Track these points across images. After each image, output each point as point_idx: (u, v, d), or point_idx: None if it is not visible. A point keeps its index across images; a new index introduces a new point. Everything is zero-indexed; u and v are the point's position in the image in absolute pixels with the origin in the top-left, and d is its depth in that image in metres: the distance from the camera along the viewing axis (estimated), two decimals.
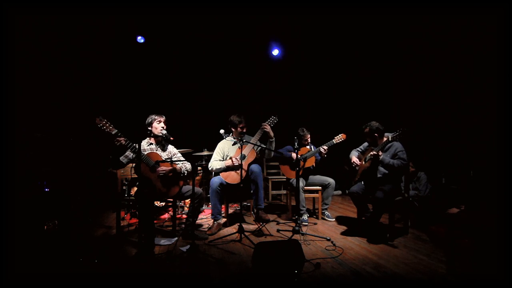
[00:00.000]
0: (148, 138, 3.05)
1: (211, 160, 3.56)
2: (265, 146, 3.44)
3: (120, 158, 2.84)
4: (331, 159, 4.00)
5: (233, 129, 3.53)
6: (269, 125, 3.45)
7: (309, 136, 3.82)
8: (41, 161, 3.43)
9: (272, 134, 3.44)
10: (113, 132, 2.60)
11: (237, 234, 2.98)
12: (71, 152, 4.00)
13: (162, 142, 3.09)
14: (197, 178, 4.32)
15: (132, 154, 2.82)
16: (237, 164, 3.28)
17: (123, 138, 2.63)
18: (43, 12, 3.72)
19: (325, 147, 3.60)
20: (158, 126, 2.95)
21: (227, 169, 3.39)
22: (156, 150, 3.00)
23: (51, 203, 3.16)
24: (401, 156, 2.96)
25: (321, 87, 5.96)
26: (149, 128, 2.99)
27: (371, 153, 2.99)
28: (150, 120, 2.98)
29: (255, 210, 3.54)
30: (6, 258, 1.91)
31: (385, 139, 3.04)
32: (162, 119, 2.98)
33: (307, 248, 2.67)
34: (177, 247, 2.72)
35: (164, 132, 2.94)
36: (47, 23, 4.11)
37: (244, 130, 3.51)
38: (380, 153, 2.96)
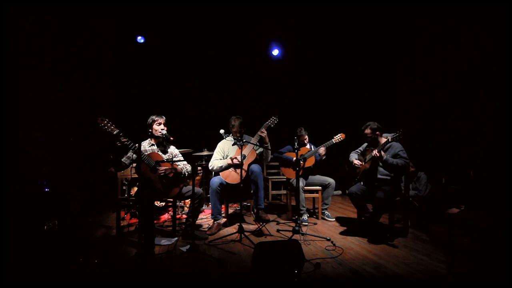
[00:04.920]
0: (149, 139, 3.05)
1: (212, 159, 3.55)
2: (264, 147, 3.44)
3: (122, 160, 2.82)
4: (331, 159, 4.00)
5: (233, 130, 3.53)
6: (270, 125, 3.44)
7: (306, 136, 3.84)
8: (41, 161, 3.43)
9: (267, 140, 3.43)
10: (114, 132, 2.59)
11: (237, 234, 2.98)
12: (71, 152, 4.00)
13: (163, 143, 3.09)
14: (197, 178, 4.32)
15: (134, 155, 2.80)
16: (238, 162, 3.29)
17: (125, 139, 2.61)
18: (44, 12, 3.73)
19: (323, 149, 3.60)
20: (158, 127, 2.96)
21: (228, 166, 3.39)
22: (158, 151, 3.00)
23: (51, 203, 3.16)
24: (403, 156, 2.95)
25: (321, 87, 5.96)
26: (150, 130, 2.99)
27: (374, 153, 2.94)
28: (150, 121, 2.98)
29: (255, 210, 3.54)
30: (6, 258, 1.91)
31: (384, 139, 3.03)
32: (162, 120, 2.99)
33: (307, 248, 2.67)
34: (177, 247, 2.72)
35: (164, 132, 2.94)
36: (47, 23, 4.12)
37: (243, 131, 3.50)
38: (383, 154, 2.95)
